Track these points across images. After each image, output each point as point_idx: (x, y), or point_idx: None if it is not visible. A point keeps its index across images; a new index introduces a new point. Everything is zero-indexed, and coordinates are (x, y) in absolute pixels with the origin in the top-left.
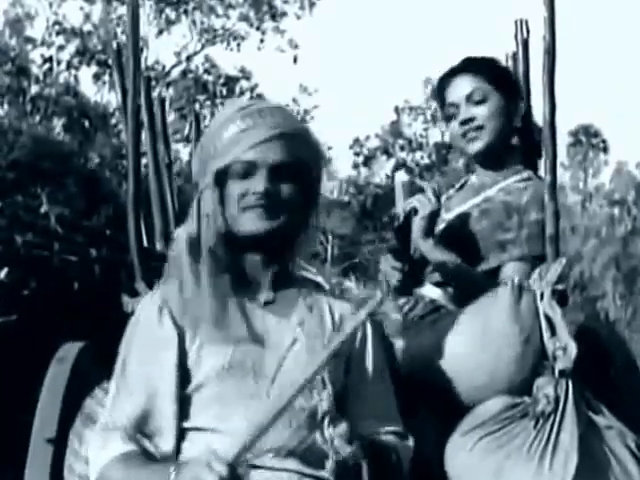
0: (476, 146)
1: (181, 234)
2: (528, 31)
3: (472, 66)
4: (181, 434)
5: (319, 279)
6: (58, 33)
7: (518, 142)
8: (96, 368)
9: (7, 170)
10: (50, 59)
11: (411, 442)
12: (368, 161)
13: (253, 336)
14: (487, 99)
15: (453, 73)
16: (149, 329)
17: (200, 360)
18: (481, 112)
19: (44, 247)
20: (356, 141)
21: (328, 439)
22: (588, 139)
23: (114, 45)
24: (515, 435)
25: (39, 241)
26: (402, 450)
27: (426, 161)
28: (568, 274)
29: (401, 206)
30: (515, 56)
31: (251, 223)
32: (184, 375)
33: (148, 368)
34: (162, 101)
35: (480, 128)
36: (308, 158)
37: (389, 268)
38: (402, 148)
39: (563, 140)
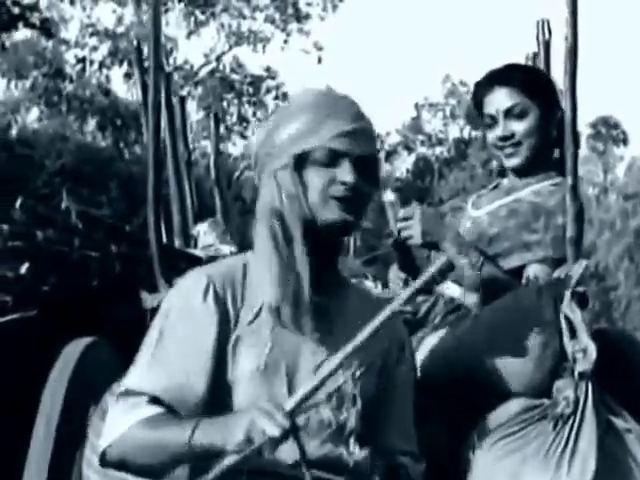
0: (514, 162)
1: (265, 209)
2: (550, 32)
3: (513, 78)
4: None
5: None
6: (92, 35)
7: (559, 154)
8: (112, 363)
9: (55, 175)
10: (83, 59)
11: (423, 464)
12: (389, 156)
13: (295, 342)
14: (526, 114)
15: (493, 81)
16: (192, 304)
17: (236, 355)
18: (520, 128)
19: (64, 243)
20: (377, 137)
21: (353, 456)
22: (608, 131)
23: (135, 43)
24: (533, 437)
25: (59, 237)
26: (414, 473)
27: (445, 156)
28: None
29: (393, 224)
30: (536, 57)
31: (335, 212)
32: (221, 357)
33: (186, 343)
34: (182, 99)
35: (518, 144)
36: (377, 153)
37: (396, 278)
38: (422, 143)
39: (583, 132)
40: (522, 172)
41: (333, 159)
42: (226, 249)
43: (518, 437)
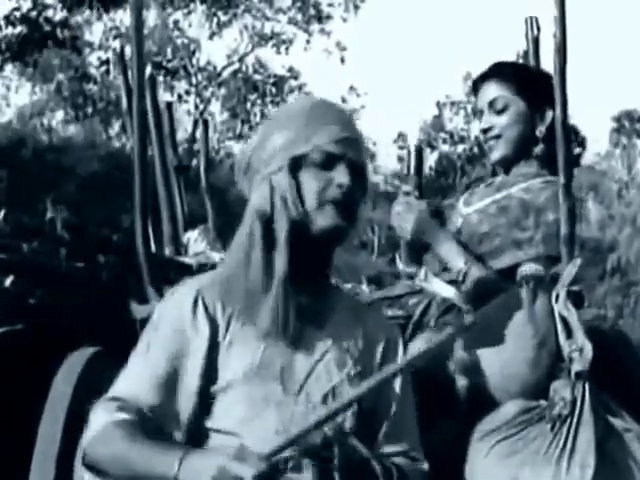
0: (495, 155)
1: (254, 215)
2: (539, 28)
3: (499, 72)
4: (205, 433)
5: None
6: (115, 37)
7: (541, 151)
8: (108, 374)
9: (88, 181)
10: (107, 62)
11: (426, 466)
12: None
13: (286, 337)
14: (508, 108)
15: (482, 79)
16: (181, 317)
17: (229, 359)
18: (500, 121)
19: (50, 254)
20: (400, 135)
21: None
22: (631, 124)
23: (118, 47)
24: (531, 439)
25: (45, 248)
26: (412, 473)
27: (468, 153)
28: (606, 261)
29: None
30: (526, 54)
31: (329, 218)
32: (211, 371)
33: (175, 360)
34: (169, 105)
35: (497, 137)
36: (366, 162)
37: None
38: (444, 141)
39: (607, 126)
40: (506, 166)
41: (329, 162)
42: (217, 256)
43: (516, 439)
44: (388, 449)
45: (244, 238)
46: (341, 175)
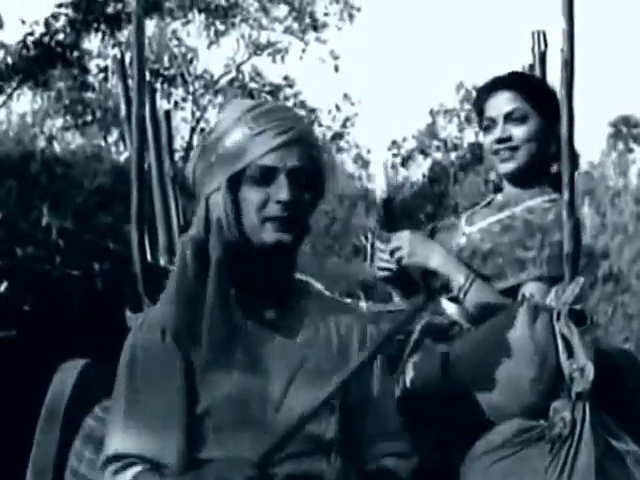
0: (508, 167)
1: (186, 241)
2: (546, 43)
3: (517, 83)
4: (196, 464)
5: (319, 287)
6: (114, 45)
7: (557, 169)
8: (99, 385)
9: (92, 194)
10: (105, 69)
11: (414, 459)
12: (405, 162)
13: (258, 361)
14: (527, 120)
15: (496, 86)
16: (152, 354)
17: (204, 386)
18: (519, 133)
19: (45, 260)
20: (394, 143)
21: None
22: (629, 130)
23: (118, 55)
24: (530, 459)
25: (40, 254)
26: (400, 471)
27: (461, 161)
28: (598, 268)
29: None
30: (532, 68)
31: (273, 235)
32: (193, 399)
33: (156, 399)
34: (167, 113)
35: (515, 149)
36: (318, 159)
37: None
38: (438, 149)
39: (604, 131)
40: (517, 180)
41: (266, 176)
42: None
43: (515, 459)
44: (379, 449)
45: (178, 266)
46: (280, 190)
